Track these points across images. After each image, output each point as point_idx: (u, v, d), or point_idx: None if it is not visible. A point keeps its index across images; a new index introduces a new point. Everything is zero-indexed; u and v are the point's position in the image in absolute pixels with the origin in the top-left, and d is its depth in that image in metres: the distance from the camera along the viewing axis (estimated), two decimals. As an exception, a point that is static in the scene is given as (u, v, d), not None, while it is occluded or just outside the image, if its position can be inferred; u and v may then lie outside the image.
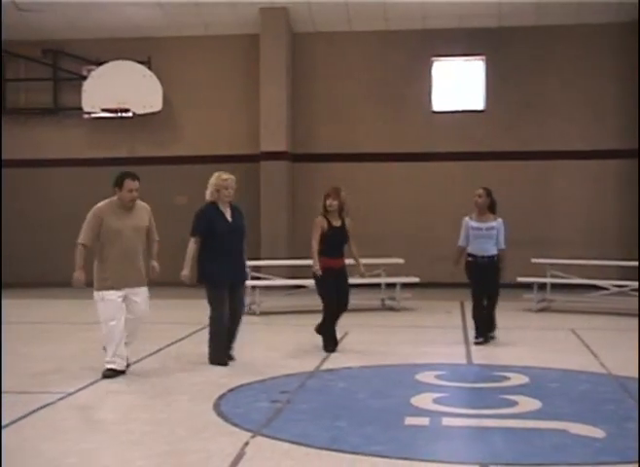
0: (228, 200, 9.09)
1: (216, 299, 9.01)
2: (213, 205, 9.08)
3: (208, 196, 9.10)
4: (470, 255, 10.51)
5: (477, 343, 10.43)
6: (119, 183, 8.43)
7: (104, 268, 8.37)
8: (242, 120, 18.96)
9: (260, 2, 18.01)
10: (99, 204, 8.48)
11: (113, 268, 8.36)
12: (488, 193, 10.64)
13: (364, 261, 11.90)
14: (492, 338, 10.73)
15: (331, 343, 9.93)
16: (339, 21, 18.47)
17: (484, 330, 10.57)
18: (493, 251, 10.50)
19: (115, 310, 8.39)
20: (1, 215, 19.06)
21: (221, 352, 9.05)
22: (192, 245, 9.02)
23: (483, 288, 10.55)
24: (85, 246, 8.38)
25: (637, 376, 8.25)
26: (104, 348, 8.62)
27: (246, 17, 18.40)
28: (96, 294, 8.43)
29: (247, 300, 13.80)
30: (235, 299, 9.14)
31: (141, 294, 8.62)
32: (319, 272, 9.72)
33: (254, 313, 13.53)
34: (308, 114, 18.90)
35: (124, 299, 8.46)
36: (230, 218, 9.08)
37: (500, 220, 10.63)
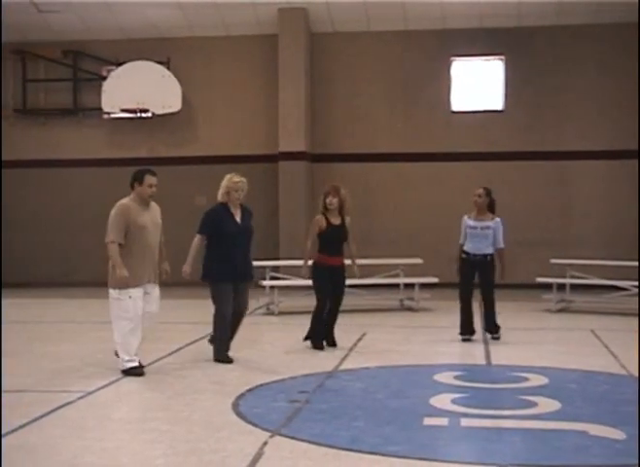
0: (238, 202, 9.23)
1: (220, 296, 9.11)
2: (223, 206, 9.21)
3: (219, 196, 9.23)
4: (464, 252, 10.63)
5: (463, 340, 10.63)
6: (139, 178, 8.48)
7: (127, 264, 8.29)
8: (261, 120, 18.99)
9: (278, 2, 18.03)
10: (122, 201, 8.48)
11: (135, 264, 8.34)
12: (488, 192, 10.71)
13: (383, 261, 11.93)
14: (496, 338, 10.78)
15: (320, 340, 10.01)
16: (358, 22, 18.47)
17: (471, 327, 10.75)
18: (487, 250, 10.55)
19: (137, 308, 8.38)
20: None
21: (225, 350, 9.15)
22: (196, 242, 9.17)
23: (472, 287, 10.74)
24: (118, 244, 8.31)
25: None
26: (116, 353, 8.59)
27: (265, 18, 18.43)
28: (116, 292, 8.39)
29: (265, 299, 13.87)
30: (240, 298, 9.22)
31: (155, 291, 8.67)
32: (307, 277, 10.04)
33: (272, 313, 13.54)
34: (327, 114, 18.90)
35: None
36: (239, 219, 9.21)
37: (498, 219, 10.65)
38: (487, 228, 10.50)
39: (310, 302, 14.39)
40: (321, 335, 10.06)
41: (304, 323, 12.71)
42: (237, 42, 19.07)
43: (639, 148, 17.57)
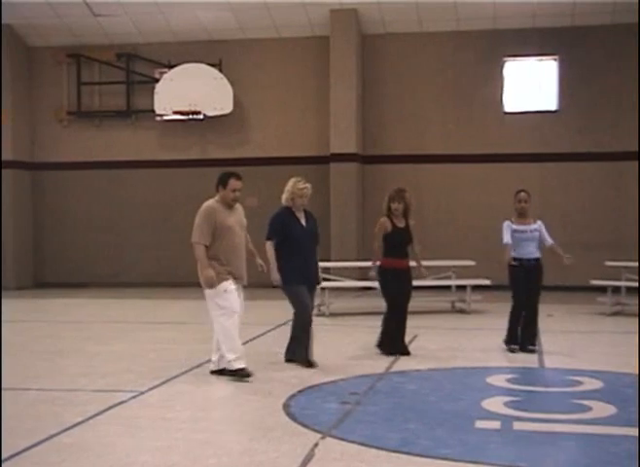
0: (302, 208, 9.22)
1: (298, 298, 9.06)
2: (288, 210, 9.19)
3: (284, 200, 9.20)
4: (514, 259, 10.12)
5: (511, 351, 10.08)
6: (223, 182, 8.44)
7: (219, 263, 8.24)
8: (312, 121, 19.02)
9: (330, 3, 18.04)
10: (209, 203, 8.43)
11: (227, 261, 8.28)
12: (529, 196, 10.37)
13: (435, 263, 11.83)
14: (534, 351, 10.15)
15: (397, 346, 9.79)
16: (410, 22, 18.40)
17: (524, 338, 10.17)
18: (537, 254, 10.22)
19: (236, 302, 8.30)
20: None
21: (307, 353, 9.05)
22: (271, 249, 9.05)
23: (527, 293, 10.16)
24: (205, 247, 8.24)
25: None
26: (219, 351, 8.46)
27: (316, 19, 18.46)
28: (210, 291, 8.26)
29: (317, 301, 13.87)
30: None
31: (242, 291, 8.57)
32: (375, 278, 9.84)
33: (323, 315, 13.55)
34: (378, 115, 18.86)
35: None
36: (304, 223, 9.20)
37: (539, 221, 10.39)
38: (535, 230, 10.22)
39: (361, 303, 14.46)
40: (400, 340, 9.87)
41: (356, 324, 12.74)
42: (288, 43, 19.13)
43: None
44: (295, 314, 9.19)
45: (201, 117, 18.81)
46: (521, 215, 10.27)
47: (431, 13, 18.01)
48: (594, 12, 17.62)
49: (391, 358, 9.54)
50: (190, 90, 18.34)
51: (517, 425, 6.51)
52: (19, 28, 19.42)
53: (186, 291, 17.71)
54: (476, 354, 10.02)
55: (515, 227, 10.16)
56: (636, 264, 14.37)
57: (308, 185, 9.21)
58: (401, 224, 9.89)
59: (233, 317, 8.26)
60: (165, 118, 19.29)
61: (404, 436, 6.16)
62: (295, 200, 9.14)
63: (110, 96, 19.89)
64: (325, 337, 11.15)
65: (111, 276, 19.58)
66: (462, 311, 14.20)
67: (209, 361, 8.78)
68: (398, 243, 9.85)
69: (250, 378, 8.21)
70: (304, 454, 5.68)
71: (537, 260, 10.20)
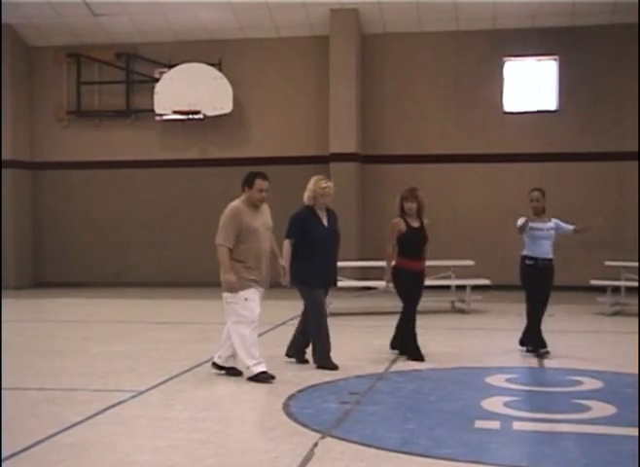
0: (324, 207, 9.06)
1: (315, 300, 8.95)
2: (310, 209, 9.03)
3: (306, 199, 9.05)
4: (529, 258, 9.93)
5: (543, 354, 9.79)
6: (249, 182, 8.26)
7: (243, 267, 8.12)
8: (312, 121, 19.02)
9: (330, 3, 18.04)
10: (235, 204, 8.26)
11: (250, 267, 8.14)
12: (543, 194, 10.12)
13: (434, 263, 11.77)
14: (548, 353, 9.92)
15: (412, 350, 9.55)
16: (410, 22, 18.40)
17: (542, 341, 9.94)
18: (551, 254, 10.01)
19: (256, 310, 8.16)
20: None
21: (328, 354, 8.97)
22: (287, 247, 8.86)
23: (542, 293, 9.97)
24: (229, 248, 8.09)
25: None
26: (234, 357, 8.40)
27: (316, 19, 18.46)
28: (230, 295, 8.16)
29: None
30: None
31: (261, 296, 8.44)
32: (390, 282, 9.51)
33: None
34: (378, 115, 18.86)
35: None
36: (326, 222, 9.04)
37: (554, 219, 10.21)
38: (551, 229, 10.03)
39: (361, 303, 14.45)
40: (416, 344, 9.59)
41: (356, 324, 12.74)
42: (289, 43, 19.12)
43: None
44: (309, 316, 9.03)
45: (201, 116, 18.81)
46: (536, 214, 10.04)
47: (431, 13, 18.00)
48: (594, 12, 17.62)
49: (391, 358, 9.54)
50: (189, 90, 18.34)
51: (517, 425, 6.52)
52: (19, 28, 19.42)
53: (186, 291, 17.74)
54: (475, 354, 10.02)
55: (531, 224, 9.89)
56: (636, 263, 14.36)
57: (330, 183, 9.06)
58: (415, 224, 9.62)
59: (251, 325, 8.14)
60: (165, 117, 19.28)
61: (403, 436, 6.17)
62: (317, 199, 8.96)
63: (110, 96, 19.88)
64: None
65: (111, 276, 19.58)
66: (462, 311, 14.21)
67: (209, 361, 8.78)
68: (413, 244, 9.54)
69: (273, 381, 8.12)
70: (304, 454, 5.68)
71: (550, 260, 9.99)
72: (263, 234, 8.29)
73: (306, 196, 9.04)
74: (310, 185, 9.04)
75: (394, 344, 9.84)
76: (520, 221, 9.88)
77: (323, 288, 9.07)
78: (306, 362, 9.16)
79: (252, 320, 8.15)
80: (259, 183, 8.24)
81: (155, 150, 19.65)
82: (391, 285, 9.60)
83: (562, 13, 17.74)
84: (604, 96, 18.09)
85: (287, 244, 8.89)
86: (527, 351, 9.96)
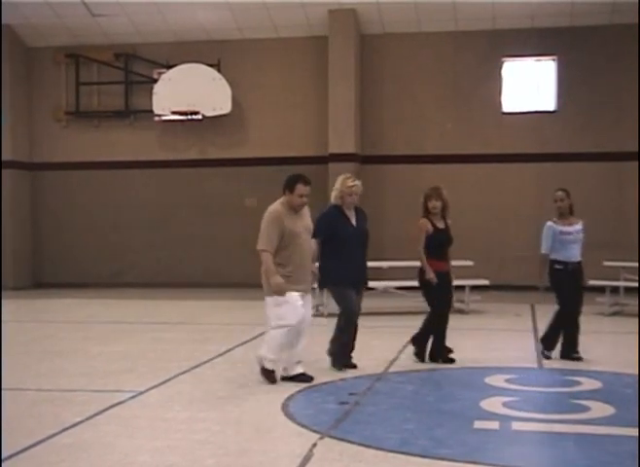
0: (352, 206, 8.92)
1: (345, 298, 8.80)
2: (337, 208, 8.90)
3: (333, 199, 8.94)
4: (557, 262, 9.60)
5: (577, 359, 9.55)
6: (290, 186, 8.08)
7: (286, 270, 7.97)
8: (311, 121, 19.01)
9: (328, 3, 18.04)
10: (275, 207, 8.10)
11: (292, 271, 8.00)
12: (568, 194, 9.88)
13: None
14: (581, 358, 9.63)
15: (443, 351, 9.41)
16: (409, 22, 18.40)
17: (573, 345, 9.72)
18: (580, 257, 9.75)
19: (297, 314, 8.00)
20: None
21: (346, 355, 8.91)
22: (314, 247, 8.63)
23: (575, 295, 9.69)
24: (271, 253, 7.94)
25: None
26: (295, 363, 8.30)
27: (315, 19, 18.46)
28: (272, 299, 8.01)
29: (314, 301, 13.86)
30: (356, 301, 8.94)
31: (309, 299, 8.34)
32: (435, 281, 9.18)
33: (321, 315, 13.53)
34: (377, 115, 18.86)
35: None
36: (354, 222, 8.90)
37: (581, 221, 9.93)
38: (579, 231, 9.74)
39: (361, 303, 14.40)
40: (443, 347, 9.46)
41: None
42: (287, 44, 19.12)
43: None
44: (339, 319, 8.90)
45: (200, 117, 18.81)
46: (562, 215, 9.76)
47: (430, 13, 18.00)
48: (593, 12, 17.62)
49: (390, 358, 9.54)
50: (188, 91, 18.33)
51: (516, 425, 6.51)
52: (18, 28, 19.42)
53: (186, 291, 17.73)
54: (474, 354, 10.01)
55: (559, 228, 9.64)
56: (635, 264, 14.36)
57: (358, 182, 8.91)
58: (441, 224, 9.46)
59: (292, 331, 8.02)
60: (164, 118, 19.29)
61: (402, 436, 6.16)
62: (344, 199, 8.81)
63: (109, 96, 19.88)
64: (323, 337, 11.14)
65: (111, 276, 19.58)
66: (461, 312, 14.18)
67: (208, 362, 8.77)
68: (439, 245, 9.36)
69: (274, 384, 8.09)
70: (303, 455, 5.68)
71: (579, 263, 9.73)
72: (305, 239, 8.17)
73: (333, 195, 8.92)
74: (337, 184, 8.92)
75: (419, 349, 9.51)
76: (542, 269, 9.55)
77: (354, 288, 8.87)
78: (355, 367, 8.93)
79: (292, 324, 7.99)
80: (300, 188, 8.07)
81: (154, 150, 19.64)
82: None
83: (561, 13, 17.75)
84: (603, 97, 18.09)
85: (313, 244, 8.66)
86: (576, 359, 9.54)
